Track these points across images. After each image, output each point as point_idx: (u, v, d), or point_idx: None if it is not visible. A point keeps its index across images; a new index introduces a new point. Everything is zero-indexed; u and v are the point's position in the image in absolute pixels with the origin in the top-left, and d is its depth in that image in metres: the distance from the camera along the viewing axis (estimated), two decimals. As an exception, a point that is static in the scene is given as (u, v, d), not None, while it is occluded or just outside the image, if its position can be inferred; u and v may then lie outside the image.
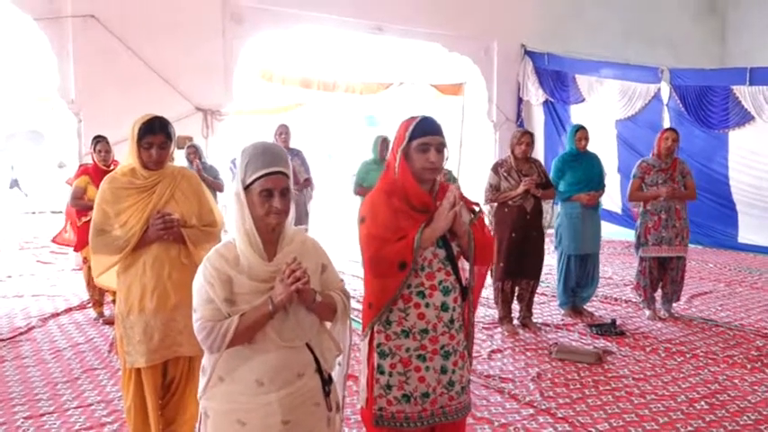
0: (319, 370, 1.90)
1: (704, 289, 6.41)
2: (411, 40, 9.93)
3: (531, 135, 4.97)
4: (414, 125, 2.15)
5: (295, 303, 1.81)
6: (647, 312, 5.34)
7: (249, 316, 1.75)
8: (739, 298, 6.10)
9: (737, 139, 8.40)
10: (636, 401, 3.57)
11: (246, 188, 1.78)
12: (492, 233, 4.41)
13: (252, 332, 1.76)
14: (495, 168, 4.94)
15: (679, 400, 3.59)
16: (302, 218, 6.09)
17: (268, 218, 1.79)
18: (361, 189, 6.01)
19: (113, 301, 5.41)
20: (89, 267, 5.37)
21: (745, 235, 8.54)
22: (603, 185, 5.34)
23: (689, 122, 8.72)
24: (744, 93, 8.22)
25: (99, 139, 5.34)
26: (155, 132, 2.68)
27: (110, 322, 5.30)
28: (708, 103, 8.68)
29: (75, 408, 3.53)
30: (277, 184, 1.78)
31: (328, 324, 1.98)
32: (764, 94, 8.04)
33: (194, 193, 2.87)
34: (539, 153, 10.19)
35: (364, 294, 2.31)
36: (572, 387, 3.79)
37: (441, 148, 2.15)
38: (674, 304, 5.43)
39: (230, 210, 1.84)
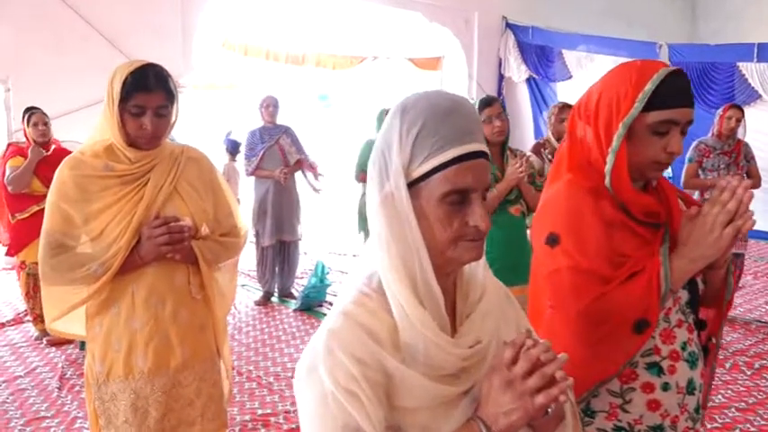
0: None
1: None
2: (390, 8, 8.98)
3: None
4: (656, 82, 1.19)
5: None
6: (696, 315, 4.68)
7: None
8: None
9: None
10: (763, 445, 2.86)
11: (412, 184, 0.86)
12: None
13: None
14: (538, 150, 4.10)
15: (812, 440, 2.91)
16: (294, 216, 4.93)
17: (455, 248, 0.86)
18: (365, 174, 5.04)
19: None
20: (28, 274, 4.27)
21: (748, 220, 8.09)
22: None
23: (688, 101, 8.17)
24: (750, 70, 7.74)
25: (33, 111, 4.31)
26: (149, 89, 1.69)
27: (57, 343, 4.21)
28: (711, 81, 8.16)
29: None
30: (479, 180, 0.86)
31: None
32: (774, 71, 7.58)
33: (207, 184, 1.88)
34: (525, 135, 9.51)
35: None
36: (672, 425, 3.03)
37: (686, 127, 1.25)
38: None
39: (372, 224, 0.90)
